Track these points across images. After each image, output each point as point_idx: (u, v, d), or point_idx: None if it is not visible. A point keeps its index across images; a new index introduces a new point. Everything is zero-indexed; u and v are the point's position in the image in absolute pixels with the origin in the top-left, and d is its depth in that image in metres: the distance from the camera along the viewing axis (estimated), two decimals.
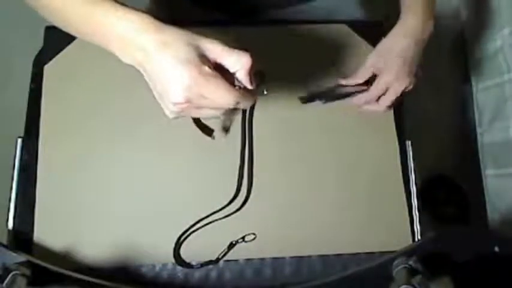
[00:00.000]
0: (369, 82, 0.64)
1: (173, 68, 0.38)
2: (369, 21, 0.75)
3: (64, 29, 0.48)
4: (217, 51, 0.41)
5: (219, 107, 0.41)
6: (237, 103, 0.41)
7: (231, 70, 0.42)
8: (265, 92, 0.48)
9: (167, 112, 0.42)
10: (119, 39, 0.41)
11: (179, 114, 0.42)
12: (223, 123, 0.65)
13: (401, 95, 0.62)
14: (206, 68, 0.39)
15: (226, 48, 0.41)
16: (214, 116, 0.43)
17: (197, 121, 0.60)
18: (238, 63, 0.41)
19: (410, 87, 0.62)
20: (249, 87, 0.43)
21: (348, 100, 0.65)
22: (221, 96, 0.40)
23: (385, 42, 0.62)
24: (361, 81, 0.64)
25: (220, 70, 0.41)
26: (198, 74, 0.38)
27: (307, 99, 0.65)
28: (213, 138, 0.61)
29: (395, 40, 0.61)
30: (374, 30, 0.69)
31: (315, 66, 0.68)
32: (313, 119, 0.66)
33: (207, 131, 0.60)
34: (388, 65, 0.61)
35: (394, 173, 0.66)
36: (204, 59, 0.40)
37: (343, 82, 0.66)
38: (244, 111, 0.65)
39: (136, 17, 0.40)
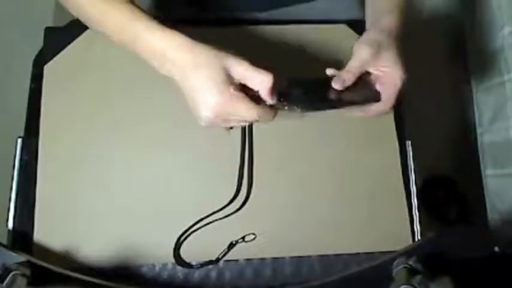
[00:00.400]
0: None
1: (205, 88, 0.45)
2: None
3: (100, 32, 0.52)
4: (242, 72, 0.47)
5: (243, 121, 0.49)
6: (260, 118, 0.48)
7: (255, 89, 0.48)
8: (286, 108, 0.51)
9: (198, 120, 0.48)
10: (158, 55, 0.47)
11: (209, 125, 0.48)
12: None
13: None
14: (232, 89, 0.46)
15: (251, 69, 0.47)
16: (240, 125, 0.52)
17: None
18: (261, 83, 0.47)
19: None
20: (270, 102, 0.49)
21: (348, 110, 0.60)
22: (244, 113, 0.47)
23: (370, 35, 0.57)
24: (353, 77, 0.56)
25: (245, 88, 0.47)
26: (226, 94, 0.45)
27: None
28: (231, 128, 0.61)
29: (380, 34, 0.57)
30: None
31: (315, 67, 0.68)
32: (313, 119, 0.66)
33: None
34: (390, 61, 0.56)
35: (394, 173, 0.66)
36: (231, 79, 0.46)
37: (336, 87, 0.55)
38: None
39: (174, 36, 0.47)
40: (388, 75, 0.56)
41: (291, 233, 0.62)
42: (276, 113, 0.50)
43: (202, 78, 0.45)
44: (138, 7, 0.50)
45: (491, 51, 1.16)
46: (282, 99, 0.51)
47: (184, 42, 0.46)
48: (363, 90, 0.57)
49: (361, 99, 0.58)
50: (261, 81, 0.47)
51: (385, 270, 0.52)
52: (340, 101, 0.56)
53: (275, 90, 0.49)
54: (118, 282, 0.54)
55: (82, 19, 0.53)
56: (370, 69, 0.56)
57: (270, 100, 0.49)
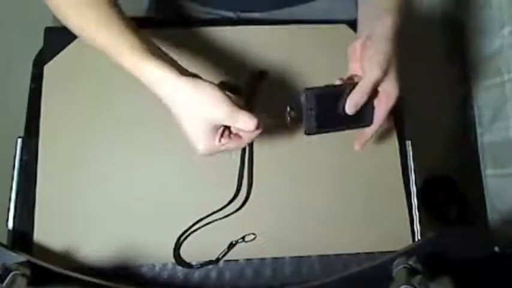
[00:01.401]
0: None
1: (195, 134, 0.48)
2: None
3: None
4: (225, 121, 0.48)
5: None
6: (247, 144, 0.52)
7: (240, 131, 0.50)
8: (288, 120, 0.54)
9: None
10: (150, 84, 0.48)
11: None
12: None
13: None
14: (218, 137, 0.49)
15: (231, 116, 0.47)
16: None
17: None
18: (246, 128, 0.48)
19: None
20: (256, 134, 0.51)
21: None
22: (235, 147, 0.51)
23: (384, 55, 0.53)
24: (365, 100, 0.53)
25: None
26: (213, 141, 0.48)
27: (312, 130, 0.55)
28: None
29: (390, 50, 0.54)
30: None
31: (315, 67, 0.68)
32: None
33: None
34: (393, 82, 0.54)
35: (394, 173, 0.66)
36: (216, 127, 0.48)
37: (350, 112, 0.53)
38: None
39: (159, 70, 0.47)
40: (387, 96, 0.54)
41: (291, 233, 0.62)
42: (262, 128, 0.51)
43: (193, 128, 0.48)
44: (131, 24, 0.49)
45: (491, 51, 1.16)
46: (291, 111, 0.53)
47: (168, 79, 0.47)
48: (364, 113, 0.55)
49: (360, 124, 0.57)
50: (243, 128, 0.48)
51: (385, 270, 0.52)
52: (346, 123, 0.55)
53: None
54: (118, 282, 0.54)
55: (70, 28, 0.52)
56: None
57: (255, 133, 0.50)
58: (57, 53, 0.66)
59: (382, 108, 0.55)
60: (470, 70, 1.29)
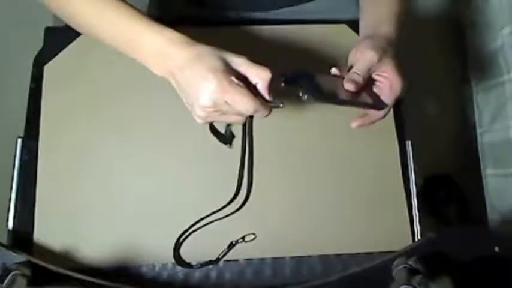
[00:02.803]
0: None
1: (203, 75, 0.44)
2: None
3: (90, 36, 0.52)
4: (241, 63, 0.47)
5: (240, 113, 0.47)
6: (255, 111, 0.47)
7: (253, 82, 0.48)
8: (281, 105, 0.51)
9: (195, 117, 0.48)
10: (155, 53, 0.47)
11: (206, 120, 0.48)
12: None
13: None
14: (231, 77, 0.45)
15: (249, 62, 0.47)
16: (236, 121, 0.50)
17: (214, 131, 0.62)
18: (259, 76, 0.47)
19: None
20: (267, 98, 0.49)
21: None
22: (242, 103, 0.45)
23: (372, 42, 0.56)
24: (363, 78, 0.54)
25: (243, 81, 0.47)
26: (224, 81, 0.44)
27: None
28: (230, 146, 0.63)
29: (385, 44, 0.56)
30: None
31: (315, 67, 0.68)
32: (313, 119, 0.66)
33: (223, 139, 0.63)
34: (392, 68, 0.55)
35: (394, 173, 0.66)
36: (230, 69, 0.46)
37: (349, 88, 0.54)
38: None
39: (171, 32, 0.47)
40: (389, 82, 0.55)
41: (291, 233, 0.62)
42: (271, 110, 0.49)
43: (202, 67, 0.44)
44: (132, 6, 0.49)
45: (491, 51, 1.16)
46: (287, 83, 0.51)
47: (183, 38, 0.47)
48: (369, 94, 0.57)
49: (366, 104, 0.57)
50: (259, 73, 0.47)
51: (385, 270, 0.52)
52: (346, 100, 0.55)
53: (273, 86, 0.49)
54: (118, 282, 0.54)
55: (70, 21, 0.53)
56: (373, 75, 0.56)
57: (266, 95, 0.49)
58: (57, 53, 0.66)
59: (386, 96, 0.56)
60: (470, 70, 1.29)
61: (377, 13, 0.60)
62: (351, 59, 0.57)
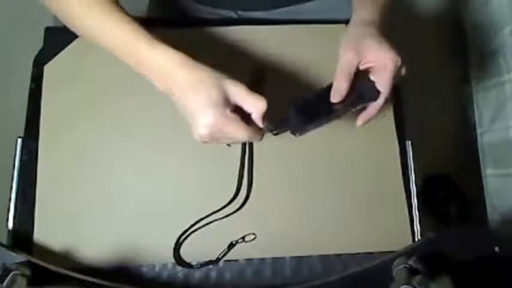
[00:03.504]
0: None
1: (201, 108, 0.46)
2: None
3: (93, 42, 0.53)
4: (238, 93, 0.48)
5: (235, 140, 0.50)
6: (249, 139, 0.49)
7: (248, 111, 0.49)
8: (274, 132, 0.53)
9: (194, 135, 0.49)
10: (158, 72, 0.48)
11: (202, 142, 0.49)
12: None
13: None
14: (228, 112, 0.47)
15: (246, 92, 0.48)
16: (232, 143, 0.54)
17: None
18: (255, 106, 0.49)
19: (400, 63, 0.54)
20: (261, 126, 0.51)
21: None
22: (236, 134, 0.48)
23: (350, 34, 0.57)
24: (347, 84, 0.54)
25: (239, 110, 0.49)
26: (221, 117, 0.46)
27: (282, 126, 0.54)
28: (229, 145, 0.63)
29: (358, 29, 0.56)
30: None
31: (314, 67, 0.68)
32: None
33: None
34: (373, 48, 0.54)
35: (394, 173, 0.66)
36: (228, 101, 0.47)
37: (335, 100, 0.54)
38: None
39: (175, 54, 0.48)
40: (377, 62, 0.54)
41: (291, 233, 0.62)
42: (263, 134, 0.52)
43: (201, 99, 0.46)
44: (136, 21, 0.50)
45: (491, 51, 1.16)
46: (279, 127, 0.52)
47: (184, 60, 0.48)
48: (360, 90, 0.55)
49: (360, 101, 0.55)
50: (255, 103, 0.48)
51: (385, 270, 0.52)
52: (340, 110, 0.55)
53: (267, 116, 0.50)
54: (118, 282, 0.54)
55: (68, 24, 0.53)
56: (360, 67, 0.55)
57: (260, 124, 0.50)
58: (57, 53, 0.66)
59: (382, 78, 0.54)
60: (470, 70, 1.29)
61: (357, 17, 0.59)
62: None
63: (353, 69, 0.54)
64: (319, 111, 0.54)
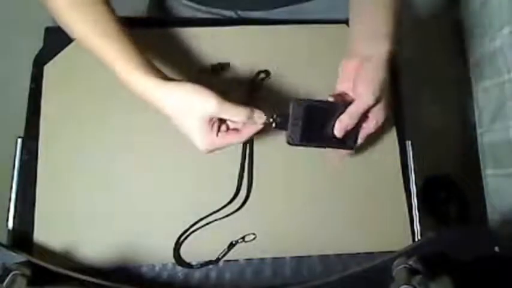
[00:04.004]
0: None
1: (195, 134, 0.49)
2: None
3: None
4: (224, 113, 0.49)
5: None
6: (246, 139, 0.52)
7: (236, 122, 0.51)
8: (274, 127, 0.53)
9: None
10: (141, 95, 0.49)
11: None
12: None
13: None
14: (216, 132, 0.50)
15: (227, 106, 0.49)
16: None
17: None
18: (238, 118, 0.50)
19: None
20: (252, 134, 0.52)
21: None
22: (231, 142, 0.51)
23: (378, 80, 0.52)
24: (355, 122, 0.53)
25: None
26: (213, 137, 0.50)
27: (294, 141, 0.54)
28: None
29: (385, 76, 0.53)
30: None
31: (315, 66, 0.68)
32: None
33: None
34: (383, 111, 0.54)
35: (394, 173, 0.66)
36: (213, 120, 0.49)
37: (339, 135, 0.53)
38: None
39: (147, 80, 0.48)
40: (376, 122, 0.54)
41: (291, 233, 0.62)
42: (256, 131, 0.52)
43: (189, 127, 0.49)
44: (128, 34, 0.51)
45: (491, 51, 1.16)
46: (280, 125, 0.53)
47: (162, 85, 0.48)
48: (349, 136, 0.54)
49: (342, 146, 0.55)
50: (236, 113, 0.49)
51: (385, 270, 0.52)
52: (324, 145, 0.55)
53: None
54: (118, 282, 0.54)
55: (61, 24, 0.54)
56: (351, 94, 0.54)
57: (251, 134, 0.52)
58: (57, 53, 0.66)
59: (365, 132, 0.55)
60: (470, 70, 1.29)
61: (374, 25, 0.56)
62: (344, 76, 0.55)
63: (365, 113, 0.53)
64: (317, 136, 0.54)
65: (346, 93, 0.55)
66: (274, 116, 0.52)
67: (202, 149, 0.50)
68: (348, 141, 0.55)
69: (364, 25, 0.57)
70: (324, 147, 0.56)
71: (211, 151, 0.51)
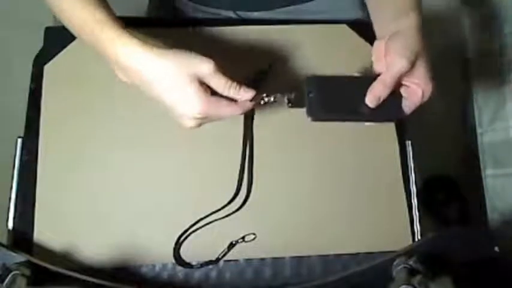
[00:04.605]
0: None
1: (185, 95, 0.45)
2: (369, 21, 0.75)
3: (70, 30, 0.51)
4: (209, 77, 0.46)
5: (224, 118, 0.49)
6: (240, 112, 0.49)
7: (223, 92, 0.48)
8: (265, 101, 0.52)
9: (179, 125, 0.49)
10: (127, 58, 0.46)
11: (190, 128, 0.49)
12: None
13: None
14: (209, 97, 0.46)
15: (215, 73, 0.46)
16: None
17: None
18: (225, 84, 0.48)
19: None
20: (243, 98, 0.50)
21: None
22: (224, 113, 0.48)
23: (404, 38, 0.52)
24: (389, 91, 0.51)
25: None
26: (208, 100, 0.46)
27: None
28: None
29: (412, 36, 0.52)
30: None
31: (315, 67, 0.68)
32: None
33: None
34: (424, 78, 0.52)
35: (394, 173, 0.65)
36: (203, 84, 0.46)
37: (372, 105, 0.51)
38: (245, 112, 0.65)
39: (138, 42, 0.45)
40: (420, 91, 0.51)
41: (291, 233, 0.62)
42: (252, 106, 0.51)
43: (179, 88, 0.45)
44: (106, 4, 0.48)
45: (492, 51, 1.16)
46: (295, 103, 0.51)
47: (150, 48, 0.45)
48: (389, 106, 0.52)
49: (384, 117, 0.54)
50: (226, 81, 0.48)
51: (385, 270, 0.52)
52: (364, 115, 0.51)
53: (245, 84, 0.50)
54: (118, 282, 0.54)
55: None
56: (402, 81, 0.52)
57: (240, 96, 0.49)
58: (57, 53, 0.66)
59: (413, 101, 0.52)
60: (470, 70, 1.29)
61: (397, 5, 0.55)
62: (377, 56, 0.53)
63: (400, 79, 0.50)
64: (343, 107, 0.51)
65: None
66: (289, 94, 0.51)
67: (193, 114, 0.46)
68: (389, 112, 0.52)
69: (385, 9, 0.56)
70: (358, 120, 0.53)
71: (199, 122, 0.47)
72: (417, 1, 0.55)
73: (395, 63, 0.49)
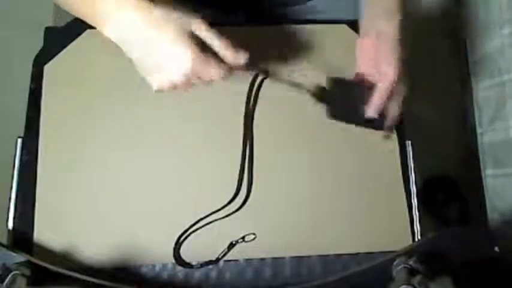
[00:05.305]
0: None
1: (174, 44, 0.45)
2: None
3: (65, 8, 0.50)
4: (202, 32, 0.47)
5: (212, 80, 0.49)
6: (227, 76, 0.49)
7: (215, 49, 0.49)
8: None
9: (155, 85, 0.48)
10: (115, 21, 0.45)
11: (169, 89, 0.48)
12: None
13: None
14: (200, 51, 0.46)
15: (210, 32, 0.48)
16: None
17: None
18: (219, 41, 0.49)
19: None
20: (235, 60, 0.50)
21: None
22: (214, 73, 0.48)
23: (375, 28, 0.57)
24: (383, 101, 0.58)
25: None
26: (196, 55, 0.45)
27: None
28: None
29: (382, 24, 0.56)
30: None
31: (315, 67, 0.68)
32: (313, 119, 0.66)
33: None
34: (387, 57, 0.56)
35: (394, 173, 0.66)
36: (197, 40, 0.46)
37: (372, 115, 0.59)
38: (246, 112, 0.65)
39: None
40: (396, 95, 0.58)
41: (291, 233, 0.62)
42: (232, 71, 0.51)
43: (167, 40, 0.45)
44: None
45: (491, 52, 1.16)
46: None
47: (139, 4, 0.44)
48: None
49: (370, 125, 0.61)
50: (218, 36, 0.49)
51: (385, 270, 0.52)
52: (358, 122, 0.61)
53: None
54: (118, 282, 0.54)
55: None
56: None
57: (232, 58, 0.50)
58: (57, 53, 0.66)
59: (392, 110, 0.60)
60: (470, 70, 1.29)
61: (378, 2, 0.59)
62: (362, 53, 0.59)
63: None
64: (351, 114, 0.60)
65: (367, 74, 0.59)
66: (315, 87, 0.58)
67: (183, 67, 0.45)
68: (377, 122, 0.60)
69: (372, 4, 0.60)
70: (367, 127, 0.62)
71: (189, 76, 0.46)
72: (399, 3, 0.58)
73: (389, 76, 0.55)
